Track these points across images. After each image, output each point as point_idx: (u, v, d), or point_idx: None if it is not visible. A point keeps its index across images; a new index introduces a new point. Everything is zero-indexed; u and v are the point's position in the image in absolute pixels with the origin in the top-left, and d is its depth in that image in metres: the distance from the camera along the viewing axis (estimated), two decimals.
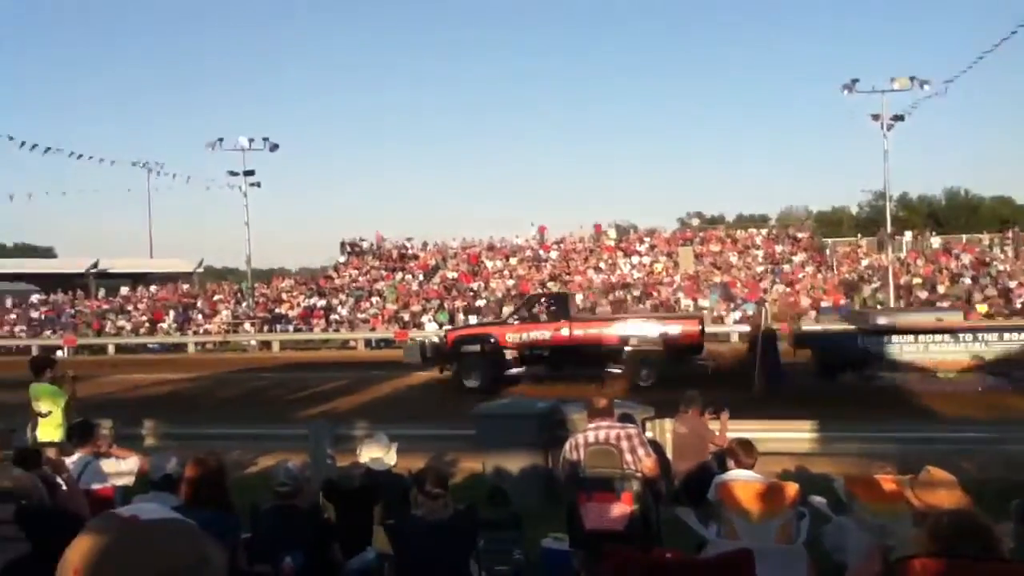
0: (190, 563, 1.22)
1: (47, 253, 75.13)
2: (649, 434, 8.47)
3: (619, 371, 19.63)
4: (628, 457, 5.89)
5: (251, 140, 42.69)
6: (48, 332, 41.49)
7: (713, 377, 18.50)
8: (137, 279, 52.72)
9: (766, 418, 10.54)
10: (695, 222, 56.97)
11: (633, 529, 5.59)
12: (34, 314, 45.03)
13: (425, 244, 48.72)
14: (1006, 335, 17.91)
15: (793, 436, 10.39)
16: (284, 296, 43.77)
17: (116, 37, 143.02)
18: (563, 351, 20.32)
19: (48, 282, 53.24)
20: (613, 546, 4.31)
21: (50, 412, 8.30)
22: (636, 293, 37.59)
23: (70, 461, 6.05)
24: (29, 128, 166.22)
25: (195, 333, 40.32)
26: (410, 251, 48.08)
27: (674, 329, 20.00)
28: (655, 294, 37.37)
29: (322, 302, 41.35)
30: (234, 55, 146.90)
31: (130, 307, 44.82)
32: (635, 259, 42.75)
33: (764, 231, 47.44)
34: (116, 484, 6.28)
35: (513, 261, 44.29)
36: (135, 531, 1.20)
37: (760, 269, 39.99)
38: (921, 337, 17.72)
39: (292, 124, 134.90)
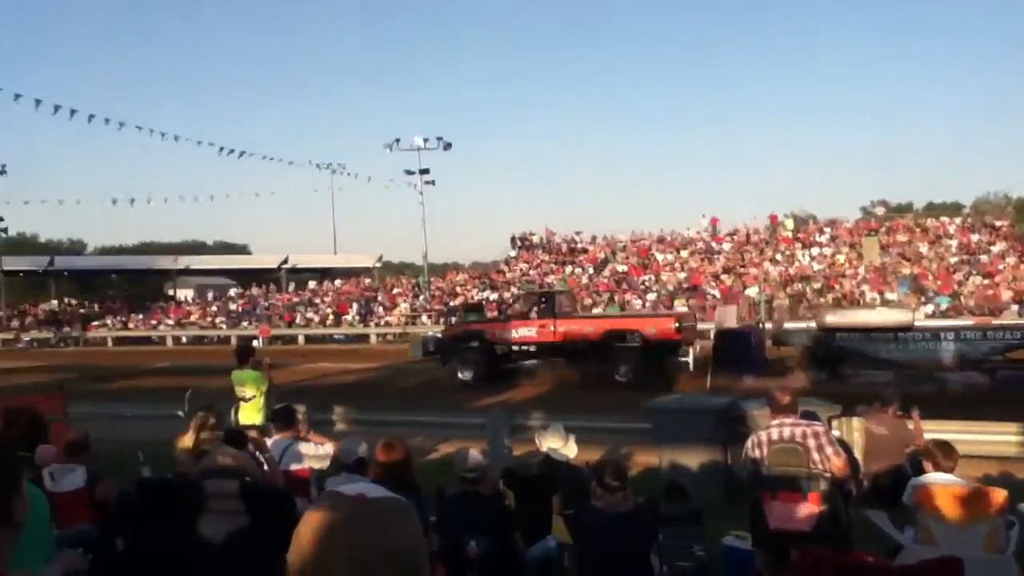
0: (412, 540, 1.28)
1: (243, 250, 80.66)
2: (836, 432, 8.10)
3: None
4: (815, 456, 5.65)
5: (425, 140, 44.21)
6: (245, 323, 44.57)
7: (691, 372, 19.36)
8: (323, 274, 55.81)
9: (965, 418, 9.82)
10: (880, 211, 53.84)
11: (821, 530, 5.36)
12: (232, 306, 48.55)
13: (594, 238, 48.75)
14: (989, 334, 17.90)
15: (996, 439, 9.58)
16: (458, 289, 45.01)
17: (302, 46, 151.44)
18: (548, 347, 21.20)
19: (244, 277, 57.35)
20: (806, 547, 4.15)
21: (253, 397, 8.93)
22: (816, 286, 36.07)
23: (270, 443, 6.49)
24: (225, 134, 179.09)
25: (376, 325, 42.16)
26: (579, 244, 48.23)
27: (651, 327, 20.52)
28: (837, 286, 35.70)
29: (495, 295, 42.21)
30: (410, 58, 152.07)
31: (317, 300, 47.48)
32: (815, 250, 40.98)
33: (958, 219, 44.26)
34: (313, 467, 6.66)
35: (684, 254, 43.54)
36: (364, 508, 1.27)
37: (954, 260, 37.36)
38: (900, 335, 17.83)
39: (464, 122, 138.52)
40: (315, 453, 6.73)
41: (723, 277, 38.79)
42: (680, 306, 33.32)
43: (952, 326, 19.14)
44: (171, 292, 58.11)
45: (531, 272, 45.11)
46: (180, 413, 10.85)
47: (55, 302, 54.89)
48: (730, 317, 21.90)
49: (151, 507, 2.87)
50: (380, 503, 1.28)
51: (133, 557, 3.02)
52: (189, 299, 54.33)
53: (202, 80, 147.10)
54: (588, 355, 20.61)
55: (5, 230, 53.63)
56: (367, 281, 51.97)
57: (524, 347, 21.57)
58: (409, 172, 44.89)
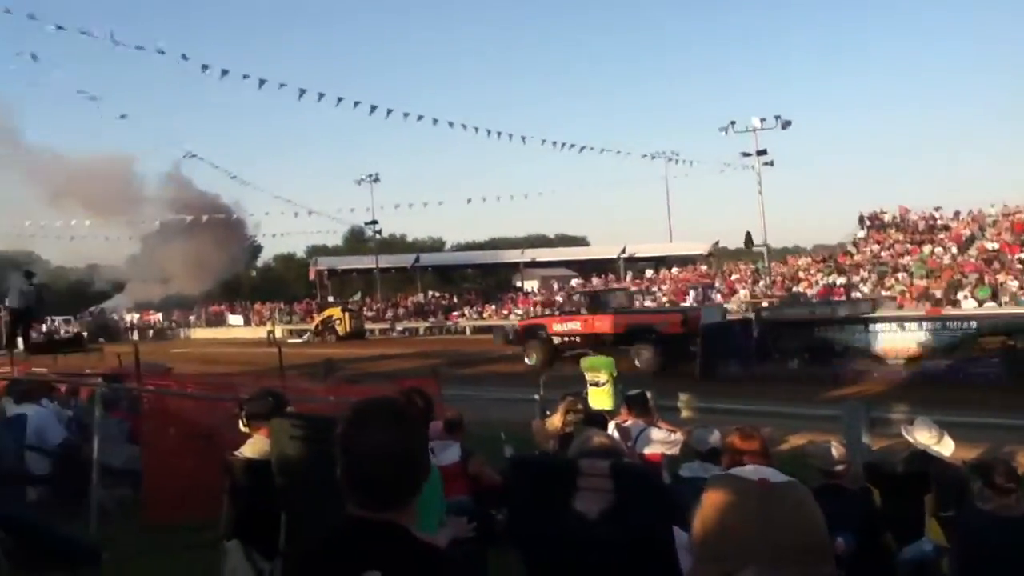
0: (821, 524, 1.26)
1: (582, 242, 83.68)
2: None
3: None
4: None
5: (763, 120, 42.66)
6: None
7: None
8: (659, 262, 56.28)
9: None
10: None
11: None
12: (574, 296, 50.58)
13: (957, 213, 44.00)
14: (950, 325, 18.79)
15: None
16: (801, 275, 43.05)
17: (633, 37, 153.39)
18: (588, 338, 24.54)
19: (585, 267, 59.57)
20: None
21: (606, 382, 9.26)
22: None
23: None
24: (563, 131, 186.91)
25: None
26: (939, 221, 43.84)
27: (663, 322, 23.67)
28: None
29: (842, 279, 39.76)
30: (743, 37, 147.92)
31: (655, 288, 47.95)
32: None
33: None
34: (665, 452, 6.76)
35: None
36: (772, 493, 1.26)
37: None
38: (871, 326, 19.48)
39: (803, 99, 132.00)
40: (666, 439, 6.81)
41: None
42: None
43: (899, 316, 21.16)
44: (519, 283, 61.95)
45: (883, 253, 41.84)
46: (536, 397, 11.54)
47: (421, 295, 61.01)
48: (715, 314, 24.39)
49: (530, 483, 3.08)
50: (787, 487, 1.27)
51: (514, 530, 3.26)
52: (535, 290, 57.52)
53: (541, 80, 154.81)
54: (615, 346, 22.88)
55: (379, 232, 60.64)
56: (704, 268, 51.51)
57: (571, 338, 25.31)
58: (746, 154, 43.62)
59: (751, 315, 24.24)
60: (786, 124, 42.39)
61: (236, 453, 4.81)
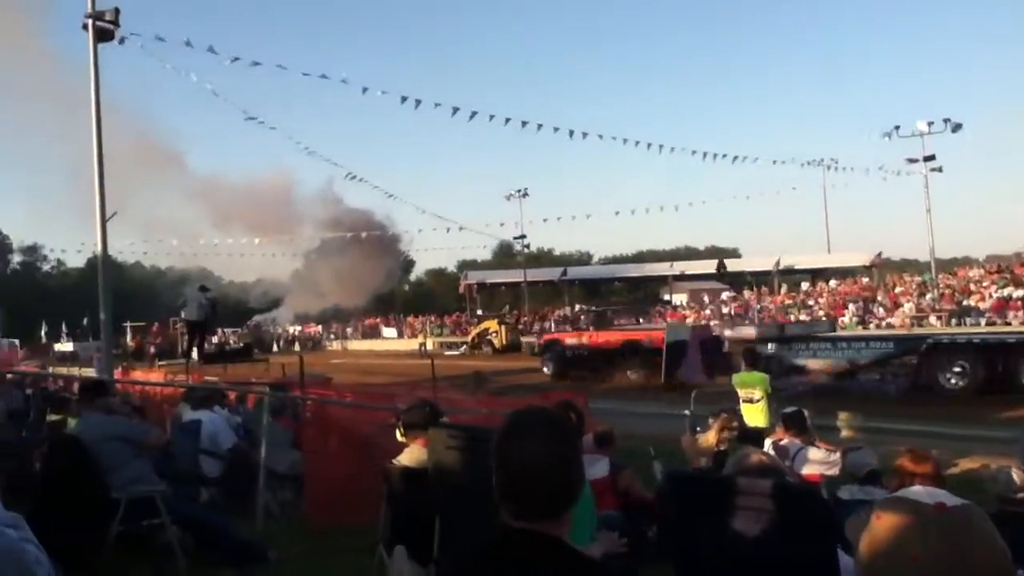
0: (1004, 554, 1.18)
1: (733, 254, 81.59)
2: None
3: None
4: None
5: (930, 123, 40.45)
6: (737, 327, 44.94)
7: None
8: (816, 274, 54.16)
9: None
10: None
11: None
12: (725, 309, 49.39)
13: None
14: (871, 343, 21.70)
15: None
16: (972, 287, 40.38)
17: (777, 43, 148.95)
18: (593, 351, 27.34)
19: (736, 280, 58.07)
20: None
21: (760, 399, 8.98)
22: None
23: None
24: (708, 139, 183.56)
25: (876, 327, 39.60)
26: None
27: (649, 339, 25.55)
28: None
29: (1019, 292, 37.04)
30: (895, 40, 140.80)
31: (811, 302, 46.16)
32: None
33: None
34: (824, 473, 6.48)
35: None
36: (949, 515, 1.19)
37: None
38: (811, 344, 22.02)
39: (975, 100, 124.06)
40: (825, 459, 6.53)
41: None
42: None
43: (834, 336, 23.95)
44: (667, 297, 61.08)
45: None
46: (686, 412, 11.31)
47: (568, 308, 61.20)
48: (682, 332, 26.48)
49: (687, 499, 3.04)
50: (965, 511, 1.19)
51: (669, 546, 3.22)
52: (684, 303, 56.57)
53: (691, 90, 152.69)
54: (614, 358, 26.02)
55: (528, 246, 61.39)
56: (865, 280, 49.18)
57: (579, 352, 27.84)
58: (912, 160, 41.39)
59: (717, 333, 27.15)
60: (956, 127, 40.05)
61: (394, 461, 4.95)
